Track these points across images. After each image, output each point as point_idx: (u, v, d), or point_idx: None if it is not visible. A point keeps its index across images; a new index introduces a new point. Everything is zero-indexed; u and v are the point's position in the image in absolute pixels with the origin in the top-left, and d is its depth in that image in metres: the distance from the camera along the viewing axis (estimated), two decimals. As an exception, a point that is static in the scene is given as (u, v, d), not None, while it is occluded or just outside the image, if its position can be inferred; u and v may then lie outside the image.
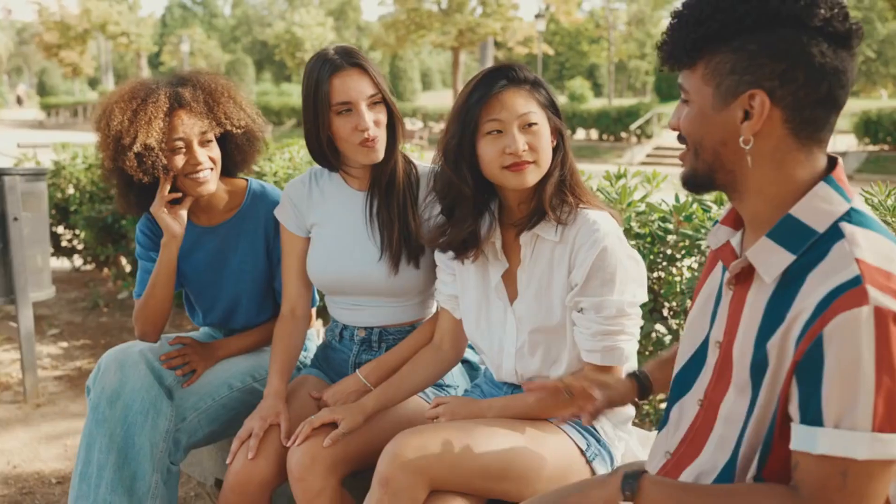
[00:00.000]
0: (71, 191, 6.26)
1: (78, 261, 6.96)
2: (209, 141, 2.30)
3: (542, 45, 35.56)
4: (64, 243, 6.69)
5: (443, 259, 2.06)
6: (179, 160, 2.25)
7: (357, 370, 2.20)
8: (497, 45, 46.13)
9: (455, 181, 1.85)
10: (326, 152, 2.17)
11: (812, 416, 1.16)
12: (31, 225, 4.11)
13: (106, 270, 6.67)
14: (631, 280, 1.82)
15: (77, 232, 6.53)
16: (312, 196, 2.28)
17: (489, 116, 1.80)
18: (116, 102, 2.26)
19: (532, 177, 1.82)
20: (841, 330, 1.13)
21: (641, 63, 51.25)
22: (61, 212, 6.27)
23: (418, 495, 1.71)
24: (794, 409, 1.20)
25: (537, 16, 34.01)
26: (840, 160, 1.31)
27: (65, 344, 5.02)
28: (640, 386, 1.69)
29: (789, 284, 1.23)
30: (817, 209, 1.25)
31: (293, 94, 45.54)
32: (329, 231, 2.25)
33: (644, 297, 1.85)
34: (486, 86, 1.81)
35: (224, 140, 2.38)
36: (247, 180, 2.51)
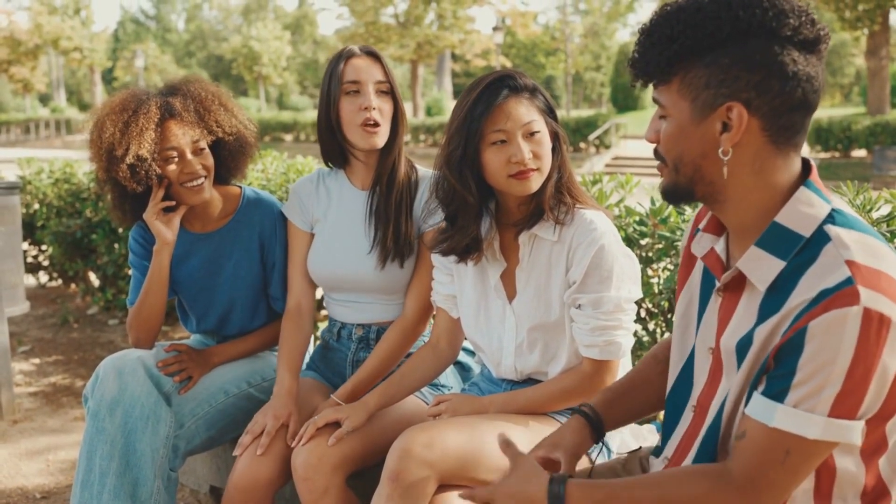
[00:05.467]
0: (37, 206, 6.18)
1: (44, 277, 6.86)
2: (202, 149, 2.33)
3: (499, 58, 35.83)
4: (29, 259, 6.59)
5: (440, 260, 2.09)
6: (172, 169, 2.28)
7: (332, 395, 2.19)
8: (454, 57, 46.37)
9: (459, 190, 1.89)
10: (337, 139, 2.24)
11: (776, 392, 1.23)
12: (5, 239, 4.08)
13: (74, 286, 6.58)
14: (627, 277, 1.88)
15: (44, 248, 6.43)
16: (319, 193, 2.37)
17: (494, 127, 1.84)
18: (108, 115, 2.28)
19: (536, 183, 1.87)
20: (827, 325, 1.17)
21: (597, 75, 51.82)
22: (26, 228, 6.17)
23: (427, 489, 1.75)
24: (762, 383, 1.26)
25: (495, 28, 34.26)
26: (813, 163, 1.36)
27: (37, 360, 4.95)
28: (591, 423, 1.61)
29: (781, 287, 1.27)
30: (801, 214, 1.28)
31: (251, 108, 45.20)
32: (328, 227, 2.33)
33: (639, 293, 1.92)
34: (488, 96, 1.84)
35: (217, 147, 2.41)
36: (240, 187, 2.54)
